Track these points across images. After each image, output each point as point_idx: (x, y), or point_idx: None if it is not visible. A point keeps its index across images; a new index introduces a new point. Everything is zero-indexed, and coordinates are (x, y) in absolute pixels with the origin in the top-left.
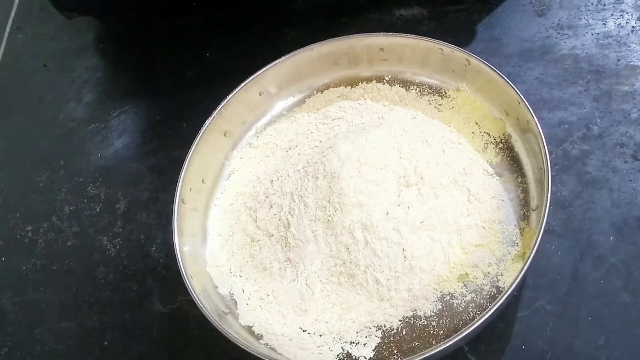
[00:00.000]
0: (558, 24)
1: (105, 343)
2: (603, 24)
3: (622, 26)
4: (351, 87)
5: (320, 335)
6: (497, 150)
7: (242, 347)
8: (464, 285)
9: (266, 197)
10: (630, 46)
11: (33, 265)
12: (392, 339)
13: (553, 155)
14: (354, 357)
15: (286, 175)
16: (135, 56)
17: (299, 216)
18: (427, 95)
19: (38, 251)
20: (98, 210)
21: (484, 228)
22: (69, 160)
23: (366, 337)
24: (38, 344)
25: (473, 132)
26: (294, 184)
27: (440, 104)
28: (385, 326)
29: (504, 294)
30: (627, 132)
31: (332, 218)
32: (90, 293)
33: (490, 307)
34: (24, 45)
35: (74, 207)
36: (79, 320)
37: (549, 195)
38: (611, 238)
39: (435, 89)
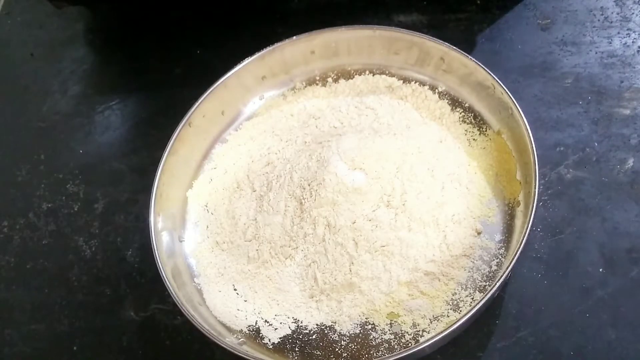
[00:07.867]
0: (562, 39)
1: (75, 348)
2: (608, 42)
3: (628, 45)
4: (403, 82)
5: (245, 301)
6: (499, 211)
7: (211, 338)
8: (390, 323)
9: (268, 153)
10: (635, 67)
11: (7, 262)
12: (300, 338)
13: (546, 179)
14: (261, 334)
15: (294, 139)
16: (124, 49)
17: (281, 185)
18: (467, 124)
19: (13, 248)
20: (76, 209)
21: (439, 280)
22: (49, 155)
23: (281, 323)
24: (6, 345)
25: (487, 182)
26: (295, 153)
27: (474, 139)
28: (302, 323)
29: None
30: (625, 158)
31: (304, 202)
32: (62, 295)
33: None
34: (11, 32)
35: (51, 204)
36: (49, 322)
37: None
38: (600, 270)
39: (479, 121)
